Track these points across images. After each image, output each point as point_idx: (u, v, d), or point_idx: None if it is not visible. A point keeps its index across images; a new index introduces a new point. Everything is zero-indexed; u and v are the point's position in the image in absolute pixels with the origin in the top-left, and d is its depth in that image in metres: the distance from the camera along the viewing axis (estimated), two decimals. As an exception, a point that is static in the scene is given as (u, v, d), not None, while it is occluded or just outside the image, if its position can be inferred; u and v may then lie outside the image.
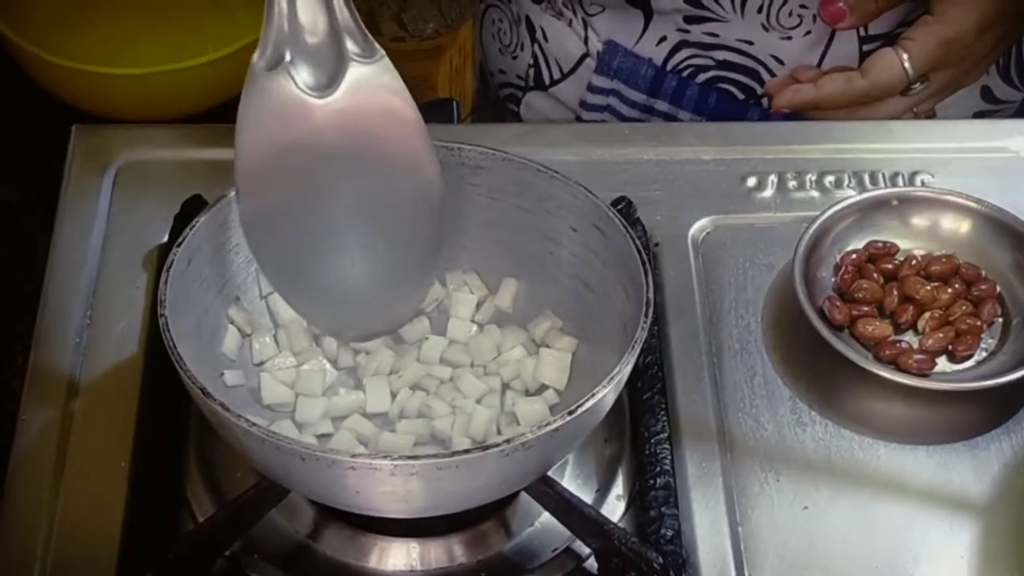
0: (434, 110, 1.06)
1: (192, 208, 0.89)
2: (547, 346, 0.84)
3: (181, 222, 0.89)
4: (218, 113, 1.05)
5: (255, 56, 0.75)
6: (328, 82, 0.76)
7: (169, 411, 0.84)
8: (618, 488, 0.83)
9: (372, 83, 0.76)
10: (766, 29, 1.06)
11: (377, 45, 0.76)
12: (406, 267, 0.83)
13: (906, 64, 1.00)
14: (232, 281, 0.84)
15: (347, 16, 0.75)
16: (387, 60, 0.76)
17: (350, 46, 0.76)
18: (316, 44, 0.76)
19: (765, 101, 1.09)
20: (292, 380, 0.83)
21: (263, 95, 0.76)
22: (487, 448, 0.70)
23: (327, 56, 0.76)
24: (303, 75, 0.76)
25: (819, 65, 1.07)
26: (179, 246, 0.78)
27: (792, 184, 0.98)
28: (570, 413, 0.72)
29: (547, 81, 1.17)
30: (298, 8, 0.75)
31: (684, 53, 1.10)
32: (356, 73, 0.76)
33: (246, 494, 0.79)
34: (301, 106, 0.76)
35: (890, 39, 1.04)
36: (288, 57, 0.75)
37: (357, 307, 0.84)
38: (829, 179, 0.99)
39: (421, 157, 0.79)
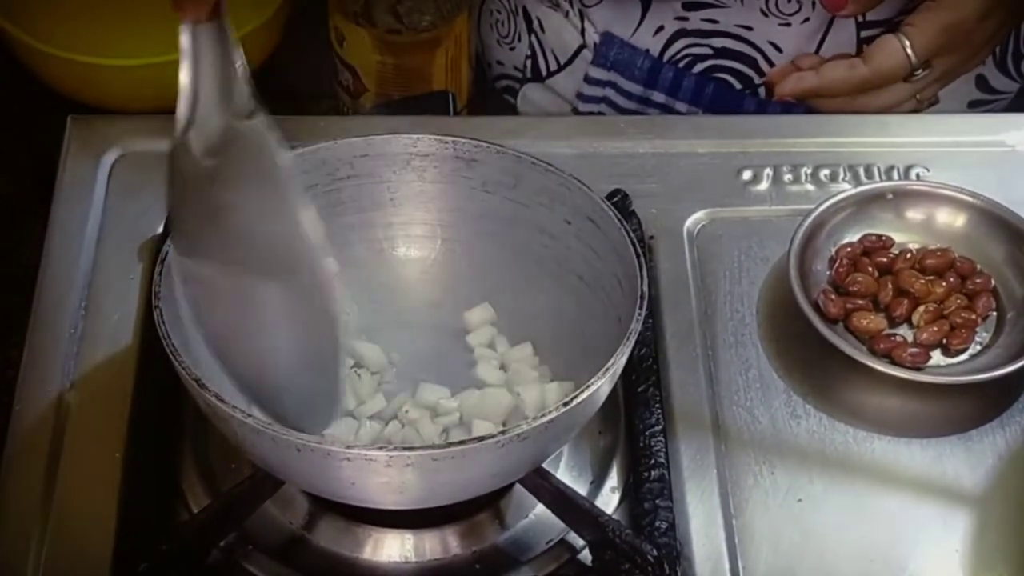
0: (430, 102, 1.06)
1: (187, 199, 0.89)
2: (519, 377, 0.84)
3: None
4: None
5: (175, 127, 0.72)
6: (219, 145, 0.73)
7: (164, 402, 0.84)
8: (612, 480, 0.84)
9: (251, 143, 0.73)
10: (765, 15, 1.06)
11: (257, 103, 0.73)
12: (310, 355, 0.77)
13: (908, 50, 1.00)
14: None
15: (241, 73, 0.72)
16: (263, 117, 0.73)
17: (239, 104, 0.73)
18: (212, 106, 0.73)
19: (762, 91, 1.09)
20: None
21: (174, 163, 0.73)
22: (482, 439, 0.71)
23: (220, 118, 0.73)
24: (199, 140, 0.72)
25: (817, 52, 1.07)
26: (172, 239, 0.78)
27: (788, 177, 0.98)
28: (565, 404, 0.72)
29: (544, 73, 1.17)
30: (201, 70, 0.72)
31: (681, 43, 1.10)
32: (240, 132, 0.73)
33: (240, 485, 0.79)
34: (198, 172, 0.73)
35: (888, 26, 1.04)
36: (189, 123, 0.72)
37: (283, 392, 0.78)
38: (824, 172, 0.99)
39: (293, 214, 0.73)
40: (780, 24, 1.06)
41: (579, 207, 0.83)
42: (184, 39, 0.71)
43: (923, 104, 1.04)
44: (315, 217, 0.73)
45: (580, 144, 0.99)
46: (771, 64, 1.08)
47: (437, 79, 1.09)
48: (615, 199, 0.92)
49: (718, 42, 1.09)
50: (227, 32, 0.72)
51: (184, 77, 0.72)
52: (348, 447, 0.71)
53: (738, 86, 1.10)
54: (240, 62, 0.72)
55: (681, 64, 1.11)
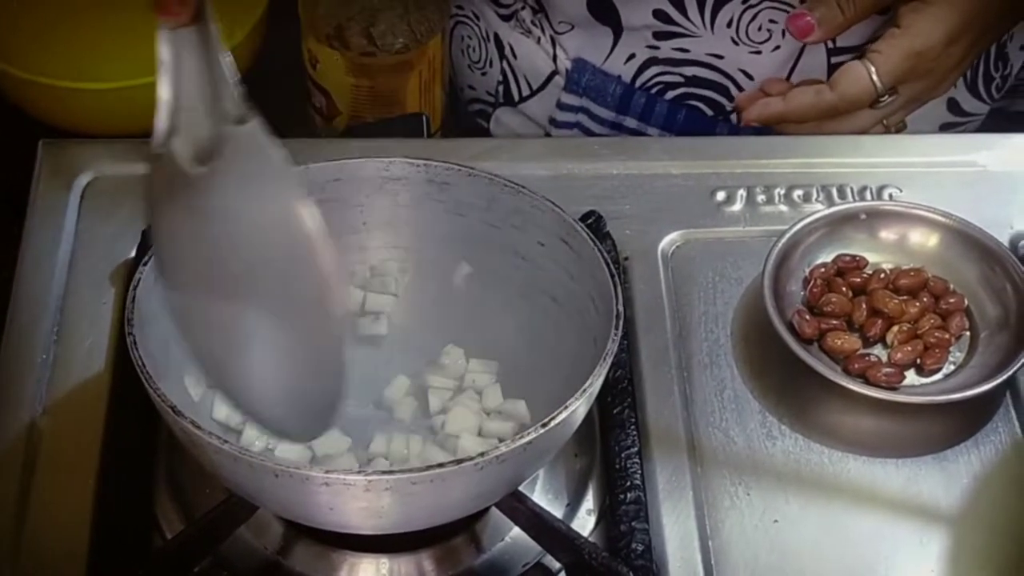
0: (404, 125, 1.06)
1: (160, 223, 0.89)
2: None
3: (149, 237, 0.88)
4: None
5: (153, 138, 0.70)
6: (210, 152, 0.71)
7: (137, 428, 0.83)
8: (588, 503, 0.83)
9: (246, 147, 0.70)
10: (736, 43, 1.07)
11: (249, 108, 0.71)
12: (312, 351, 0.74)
13: (874, 77, 1.00)
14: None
15: (227, 77, 0.70)
16: (256, 120, 0.70)
17: (228, 109, 0.70)
18: (199, 113, 0.71)
19: (734, 117, 1.10)
20: None
21: (156, 177, 0.72)
22: (461, 462, 0.70)
23: (208, 124, 0.71)
24: (186, 147, 0.71)
25: (788, 79, 1.08)
26: (145, 264, 0.78)
27: (761, 198, 0.99)
28: (543, 426, 0.72)
29: (516, 98, 1.17)
30: (184, 78, 0.70)
31: (653, 70, 1.10)
32: (232, 137, 0.70)
33: (215, 511, 0.79)
34: (186, 182, 0.71)
35: (860, 52, 1.04)
36: (173, 131, 0.71)
37: (280, 404, 0.76)
38: (798, 193, 0.99)
39: (295, 213, 0.71)
40: (751, 52, 1.07)
41: (552, 229, 0.83)
42: (163, 44, 0.70)
43: (891, 130, 1.04)
44: (317, 213, 0.70)
45: (554, 166, 0.99)
46: (743, 91, 1.08)
47: (411, 102, 1.09)
48: (589, 221, 0.92)
49: (689, 70, 1.09)
50: (212, 35, 0.70)
51: (163, 83, 0.70)
52: (327, 472, 0.70)
53: (710, 113, 1.11)
54: (227, 65, 0.70)
55: (653, 91, 1.11)
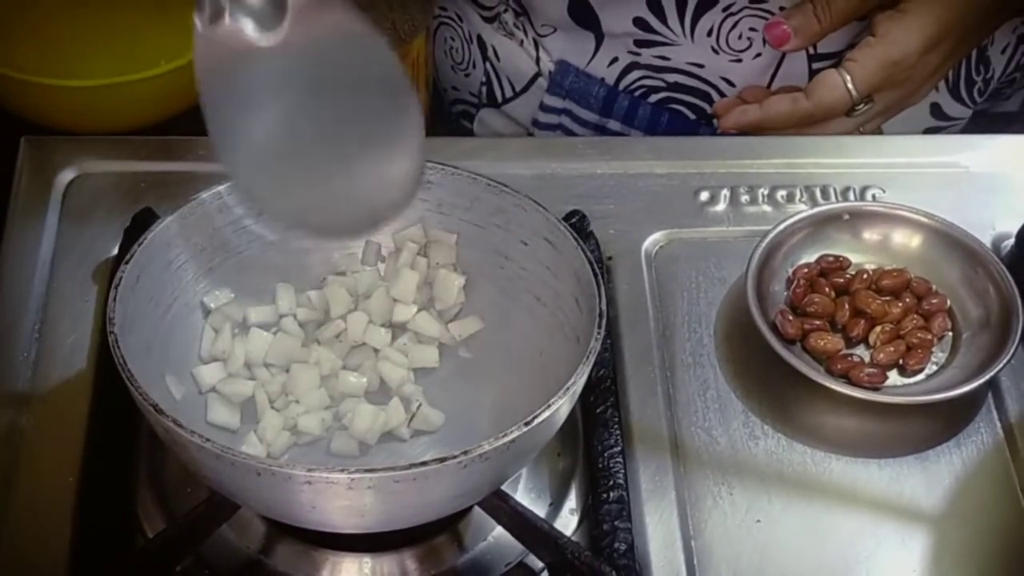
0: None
1: (142, 220, 0.89)
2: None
3: (131, 235, 0.88)
4: (169, 126, 1.05)
5: (195, 16, 0.73)
6: (273, 19, 0.74)
7: (118, 426, 0.83)
8: (571, 502, 0.83)
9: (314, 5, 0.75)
10: (716, 52, 1.07)
11: None
12: (379, 157, 0.79)
13: (849, 85, 1.01)
14: (181, 297, 0.83)
15: None
16: None
17: None
18: None
19: (716, 121, 1.10)
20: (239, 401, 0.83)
21: (212, 49, 0.74)
22: (444, 460, 0.70)
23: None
24: (246, 20, 0.74)
25: (769, 85, 1.08)
26: (126, 263, 0.78)
27: (745, 198, 0.99)
28: (527, 424, 0.72)
29: (500, 99, 1.17)
30: None
31: (635, 74, 1.10)
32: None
33: (197, 509, 0.78)
34: (251, 48, 0.74)
35: (841, 59, 1.05)
36: (227, 6, 0.73)
37: (325, 190, 0.80)
38: (781, 193, 0.99)
39: (382, 62, 0.78)
40: (731, 60, 1.07)
41: (535, 228, 0.83)
42: None
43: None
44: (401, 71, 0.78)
45: (538, 165, 0.99)
46: (725, 97, 1.09)
47: (394, 101, 1.09)
48: (573, 220, 0.92)
49: (671, 77, 1.09)
50: None
51: None
52: (309, 470, 0.70)
53: (692, 117, 1.11)
54: None
55: (636, 94, 1.11)
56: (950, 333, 0.91)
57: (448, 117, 1.23)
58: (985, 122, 1.17)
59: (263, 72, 0.76)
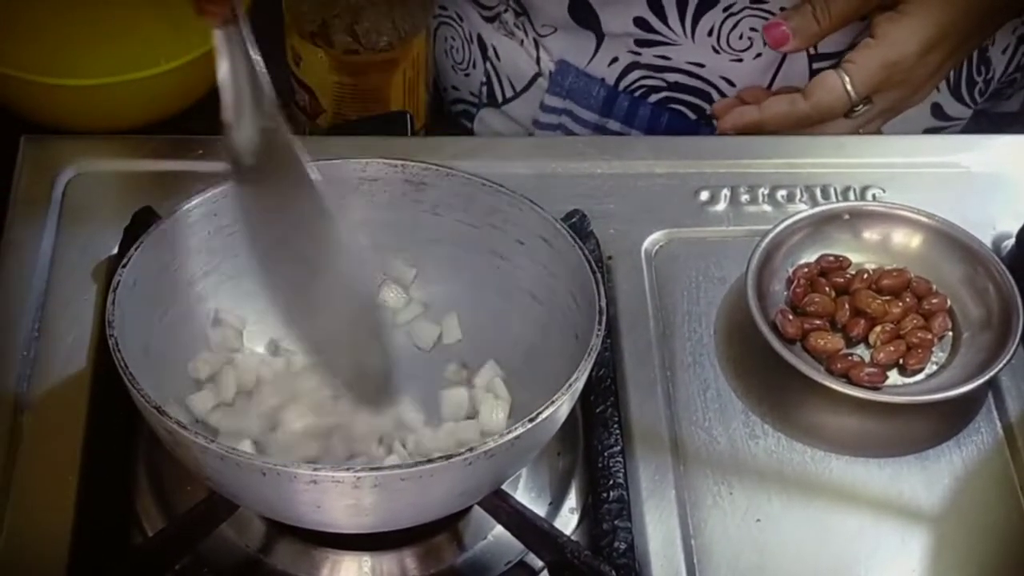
0: (388, 123, 1.06)
1: (142, 220, 0.89)
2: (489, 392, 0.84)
3: (131, 234, 0.88)
4: (169, 125, 1.05)
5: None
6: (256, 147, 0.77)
7: (118, 425, 0.83)
8: (571, 501, 0.83)
9: (279, 145, 0.77)
10: (717, 52, 1.07)
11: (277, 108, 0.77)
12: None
13: (848, 86, 1.01)
14: (179, 298, 0.83)
15: (263, 81, 0.76)
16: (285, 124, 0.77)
17: (266, 110, 0.76)
18: (248, 108, 0.76)
19: (715, 122, 1.10)
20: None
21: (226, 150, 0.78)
22: (451, 457, 0.70)
23: (254, 121, 0.77)
24: (242, 138, 0.77)
25: (770, 86, 1.08)
26: (124, 266, 0.78)
27: (745, 198, 0.99)
28: (531, 421, 0.72)
29: (500, 99, 1.17)
30: (237, 72, 0.75)
31: (636, 74, 1.10)
32: (268, 134, 0.77)
33: (196, 508, 0.78)
34: (242, 168, 0.78)
35: (841, 59, 1.04)
36: (237, 116, 0.76)
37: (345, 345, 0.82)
38: (781, 193, 0.99)
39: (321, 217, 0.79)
40: (732, 60, 1.07)
41: (531, 227, 0.83)
42: (219, 39, 0.74)
43: None
44: (339, 224, 0.79)
45: (538, 165, 0.99)
46: (725, 97, 1.08)
47: (395, 100, 1.09)
48: (573, 219, 0.92)
49: (671, 77, 1.09)
50: (247, 36, 0.74)
51: (221, 70, 0.75)
52: (314, 469, 0.70)
53: (693, 117, 1.11)
54: (261, 66, 0.75)
55: (636, 94, 1.11)
56: (950, 333, 0.91)
57: (448, 117, 1.23)
58: (986, 122, 1.17)
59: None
